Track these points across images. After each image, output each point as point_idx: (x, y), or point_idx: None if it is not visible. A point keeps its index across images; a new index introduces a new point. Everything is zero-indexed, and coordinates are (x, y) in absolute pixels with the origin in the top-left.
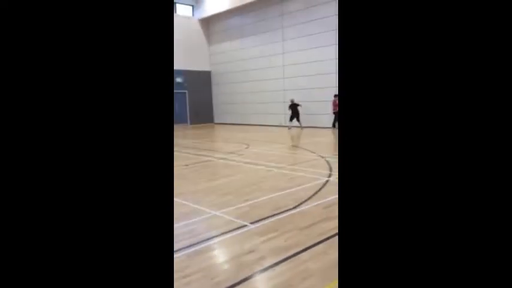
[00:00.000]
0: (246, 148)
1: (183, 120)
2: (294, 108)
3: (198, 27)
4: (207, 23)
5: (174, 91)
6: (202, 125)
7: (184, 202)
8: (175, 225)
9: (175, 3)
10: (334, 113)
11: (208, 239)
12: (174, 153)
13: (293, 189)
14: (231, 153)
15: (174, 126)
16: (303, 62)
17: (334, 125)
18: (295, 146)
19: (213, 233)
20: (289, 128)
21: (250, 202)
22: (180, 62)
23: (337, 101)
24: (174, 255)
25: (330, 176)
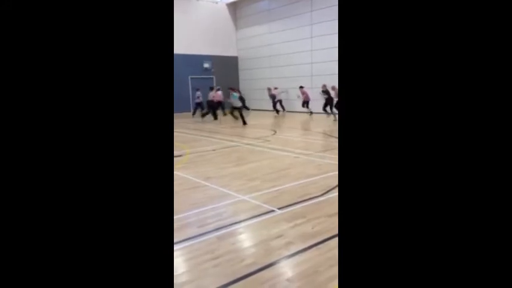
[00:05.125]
0: (273, 134)
1: None
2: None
3: (225, 11)
4: (234, 7)
5: (202, 77)
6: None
7: (212, 186)
8: (204, 208)
9: None
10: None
11: (236, 223)
12: (202, 137)
13: (320, 177)
14: (258, 138)
15: (201, 111)
16: (332, 46)
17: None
18: (322, 133)
19: (241, 217)
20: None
21: (278, 188)
22: (208, 47)
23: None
24: (204, 237)
25: None
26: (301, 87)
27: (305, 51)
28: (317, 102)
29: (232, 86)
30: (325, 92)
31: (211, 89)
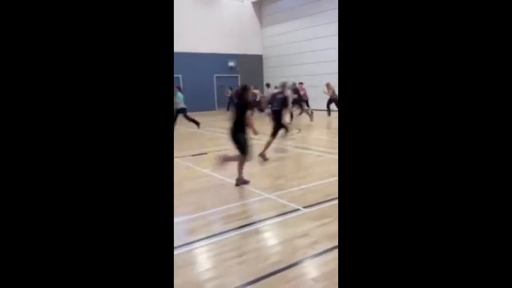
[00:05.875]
0: (297, 133)
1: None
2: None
3: (251, 10)
4: (260, 5)
5: (227, 75)
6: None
7: None
8: (229, 205)
9: None
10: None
11: (261, 221)
12: (225, 136)
13: None
14: (282, 137)
15: (224, 110)
16: None
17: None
18: None
19: (267, 215)
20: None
21: (303, 187)
22: (233, 46)
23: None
24: (229, 235)
25: None
26: (300, 83)
27: (330, 49)
28: (323, 100)
29: (177, 84)
30: (294, 90)
31: (268, 86)
